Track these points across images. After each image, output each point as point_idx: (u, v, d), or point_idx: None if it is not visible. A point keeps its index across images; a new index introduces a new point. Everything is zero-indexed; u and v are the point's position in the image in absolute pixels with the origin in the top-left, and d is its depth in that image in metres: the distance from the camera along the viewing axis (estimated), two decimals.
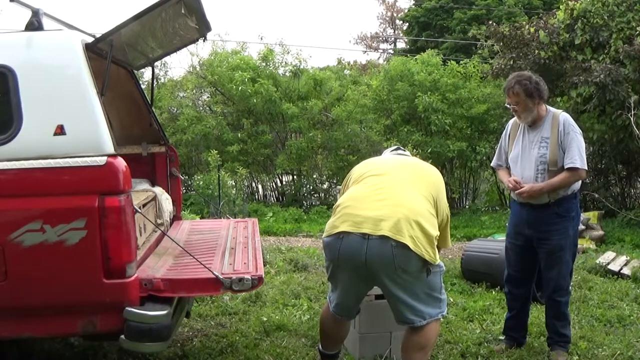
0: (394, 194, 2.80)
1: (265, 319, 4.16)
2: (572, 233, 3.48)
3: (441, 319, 2.97)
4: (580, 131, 3.47)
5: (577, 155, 3.35)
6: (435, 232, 2.77)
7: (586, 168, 3.41)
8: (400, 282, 2.73)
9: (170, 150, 4.09)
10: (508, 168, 3.68)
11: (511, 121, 3.72)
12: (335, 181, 10.96)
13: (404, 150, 3.39)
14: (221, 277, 2.58)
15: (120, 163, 2.50)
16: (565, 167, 3.36)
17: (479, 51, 12.64)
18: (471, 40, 17.75)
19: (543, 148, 3.43)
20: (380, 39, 33.96)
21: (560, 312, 3.52)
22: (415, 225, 2.68)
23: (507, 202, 10.94)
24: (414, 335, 2.83)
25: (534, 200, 3.45)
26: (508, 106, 3.56)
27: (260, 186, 11.75)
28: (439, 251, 3.03)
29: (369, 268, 2.71)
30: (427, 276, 2.76)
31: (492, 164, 3.99)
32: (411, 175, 2.95)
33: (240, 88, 10.15)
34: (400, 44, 30.56)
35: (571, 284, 3.71)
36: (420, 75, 10.25)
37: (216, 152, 9.30)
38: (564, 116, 3.47)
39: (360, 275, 2.81)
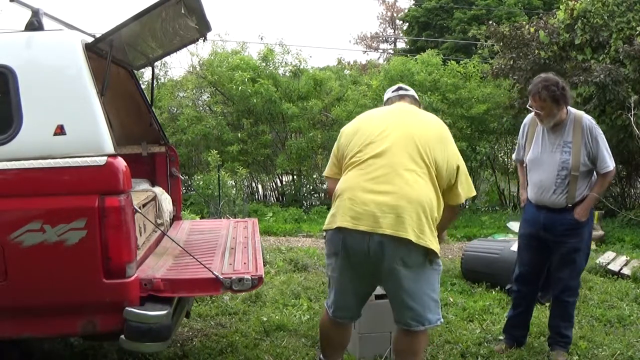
0: (394, 180, 2.66)
1: (265, 319, 4.16)
2: (587, 236, 3.48)
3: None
4: (601, 130, 3.45)
5: (608, 158, 3.38)
6: (436, 214, 2.71)
7: (614, 164, 3.45)
8: (401, 277, 2.66)
9: (170, 150, 4.09)
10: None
11: (528, 118, 3.65)
12: None
13: (407, 90, 3.14)
14: (221, 277, 2.58)
15: (120, 163, 2.50)
16: (601, 172, 3.40)
17: (479, 51, 12.66)
18: (471, 40, 17.78)
19: (566, 153, 3.40)
20: (380, 39, 33.98)
21: (566, 313, 3.53)
22: (415, 215, 2.60)
23: (507, 202, 10.96)
24: (407, 339, 2.79)
25: (553, 204, 3.45)
26: (530, 109, 3.50)
27: (260, 186, 11.74)
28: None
29: (373, 260, 2.66)
30: (429, 265, 2.69)
31: (513, 158, 3.98)
32: (411, 146, 2.71)
33: (240, 88, 10.14)
34: (400, 44, 30.59)
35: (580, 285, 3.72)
36: (420, 75, 10.25)
37: (216, 152, 9.30)
38: (587, 119, 3.42)
39: (363, 268, 2.73)
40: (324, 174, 3.08)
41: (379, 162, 2.71)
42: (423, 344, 2.83)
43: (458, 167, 2.80)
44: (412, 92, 3.14)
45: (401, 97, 3.09)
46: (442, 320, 2.85)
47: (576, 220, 3.41)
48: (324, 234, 2.92)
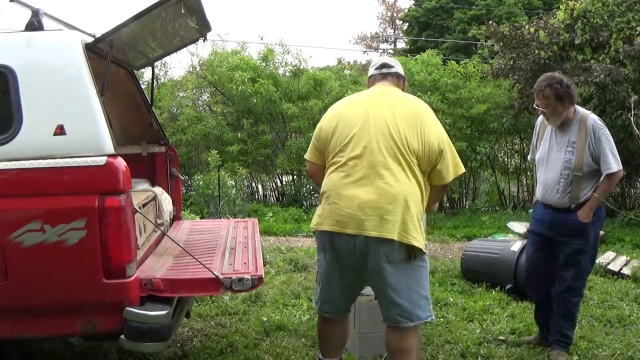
0: (375, 181, 2.66)
1: (265, 319, 4.16)
2: (592, 237, 3.45)
3: (419, 325, 2.85)
4: (608, 131, 3.42)
5: (612, 159, 3.33)
6: (421, 205, 2.75)
7: (621, 166, 3.39)
8: (386, 274, 2.68)
9: (170, 150, 4.09)
10: None
11: (540, 118, 3.67)
12: None
13: (390, 67, 3.01)
14: (221, 277, 2.58)
15: (120, 163, 2.50)
16: (604, 174, 3.35)
17: (479, 51, 12.66)
18: (471, 40, 17.79)
19: (569, 153, 3.40)
20: (380, 39, 33.98)
21: (568, 313, 3.52)
22: (399, 215, 2.63)
23: (507, 202, 10.96)
24: (396, 337, 2.78)
25: (557, 204, 3.46)
26: (536, 107, 3.51)
27: (260, 186, 11.74)
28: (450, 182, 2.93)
29: (359, 258, 2.70)
30: (413, 261, 2.71)
31: (528, 158, 3.96)
32: (388, 142, 2.69)
33: (240, 88, 10.14)
34: (400, 44, 30.59)
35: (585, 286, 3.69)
36: (420, 75, 10.24)
37: (216, 152, 9.30)
38: (592, 119, 3.41)
39: (350, 264, 2.76)
40: (305, 156, 3.05)
41: (359, 164, 2.71)
42: (414, 341, 2.81)
43: (441, 151, 2.75)
44: (396, 67, 3.02)
45: (384, 77, 3.00)
46: (433, 317, 2.85)
47: (580, 222, 3.39)
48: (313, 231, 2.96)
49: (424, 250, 2.75)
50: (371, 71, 3.07)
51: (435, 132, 2.77)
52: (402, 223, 2.64)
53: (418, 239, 2.69)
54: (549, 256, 3.59)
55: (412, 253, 2.70)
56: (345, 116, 2.86)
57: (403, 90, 3.01)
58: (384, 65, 3.03)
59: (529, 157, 3.96)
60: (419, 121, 2.75)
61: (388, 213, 2.63)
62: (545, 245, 3.59)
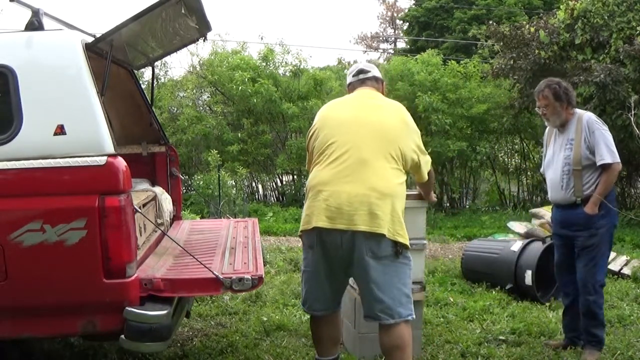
0: (363, 176, 2.71)
1: (265, 319, 4.16)
2: (602, 231, 3.47)
3: (410, 321, 2.84)
4: (606, 127, 3.52)
5: (606, 151, 3.40)
6: (404, 202, 2.85)
7: (618, 160, 3.44)
8: (370, 268, 2.70)
9: (170, 150, 4.09)
10: None
11: (547, 130, 3.81)
12: None
13: (367, 72, 3.06)
14: (221, 277, 2.58)
15: (121, 163, 2.50)
16: (598, 165, 3.42)
17: (479, 51, 12.66)
18: (471, 40, 17.79)
19: (568, 150, 3.52)
20: (381, 38, 33.98)
21: (589, 311, 3.51)
22: (388, 210, 2.68)
23: (507, 202, 10.97)
24: (386, 335, 2.80)
25: (563, 200, 3.55)
26: (538, 110, 3.68)
27: (260, 186, 11.75)
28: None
29: (345, 252, 2.73)
30: (398, 258, 2.74)
31: (540, 171, 4.01)
32: (376, 139, 2.78)
33: (240, 88, 10.15)
34: (401, 44, 30.59)
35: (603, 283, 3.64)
36: (421, 75, 10.24)
37: (216, 152, 9.30)
38: (587, 116, 3.54)
39: (336, 259, 2.79)
40: (307, 169, 3.14)
41: (348, 160, 2.76)
42: (404, 337, 2.79)
43: (417, 155, 2.91)
44: (372, 72, 3.09)
45: (362, 82, 3.06)
46: (413, 315, 2.86)
47: (588, 215, 3.43)
48: (300, 233, 2.98)
49: (408, 246, 2.79)
50: (349, 79, 3.14)
51: (416, 139, 2.92)
52: (391, 219, 2.70)
53: (403, 235, 2.76)
54: (568, 257, 3.62)
55: (398, 249, 2.74)
56: (332, 116, 2.96)
57: (382, 91, 3.11)
58: (361, 72, 3.09)
59: (540, 170, 4.02)
60: (406, 126, 2.90)
61: (377, 208, 2.67)
62: (564, 246, 3.66)
